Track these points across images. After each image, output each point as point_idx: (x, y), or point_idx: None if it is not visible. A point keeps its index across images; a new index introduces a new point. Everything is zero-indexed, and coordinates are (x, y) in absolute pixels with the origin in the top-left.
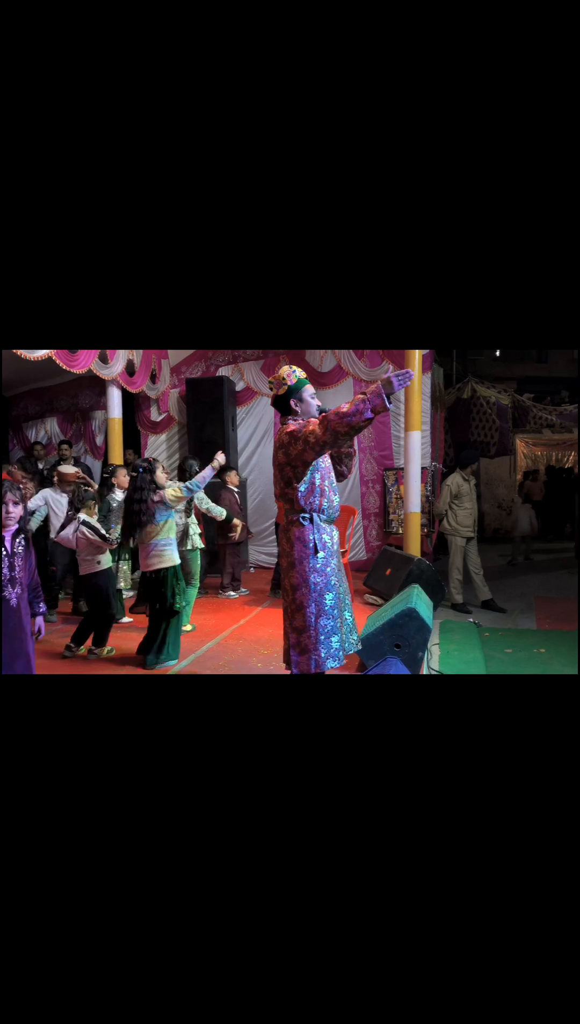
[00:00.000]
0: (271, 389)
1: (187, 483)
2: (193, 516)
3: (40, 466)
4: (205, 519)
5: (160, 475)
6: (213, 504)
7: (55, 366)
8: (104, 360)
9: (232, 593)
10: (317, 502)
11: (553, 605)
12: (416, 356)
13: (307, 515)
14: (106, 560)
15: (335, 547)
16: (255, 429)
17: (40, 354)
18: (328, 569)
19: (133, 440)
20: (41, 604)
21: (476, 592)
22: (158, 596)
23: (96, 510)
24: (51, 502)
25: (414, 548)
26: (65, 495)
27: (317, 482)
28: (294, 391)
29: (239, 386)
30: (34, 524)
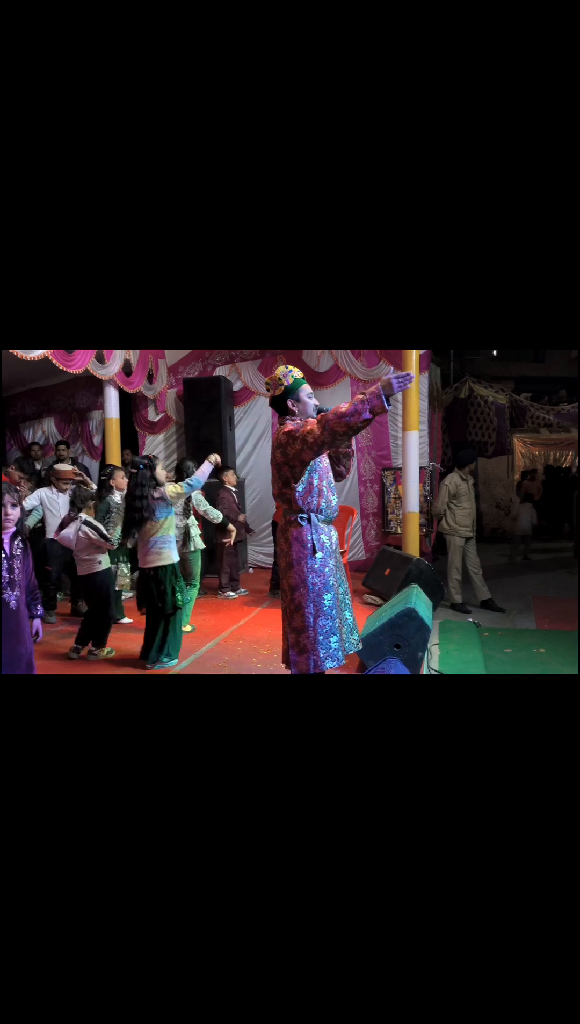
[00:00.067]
0: (268, 390)
1: (187, 479)
2: (193, 517)
3: (37, 467)
4: (203, 519)
5: (160, 472)
6: (210, 507)
7: (52, 366)
8: (101, 360)
9: (231, 593)
10: (315, 502)
11: (552, 605)
12: (413, 356)
13: (305, 515)
14: (105, 560)
15: (333, 547)
16: (253, 429)
17: (37, 354)
18: (326, 569)
19: (131, 440)
20: (38, 606)
21: (475, 592)
22: (157, 594)
23: (95, 510)
24: (47, 502)
25: (413, 548)
26: (61, 495)
27: (315, 482)
28: (291, 391)
29: (236, 386)
30: (30, 522)
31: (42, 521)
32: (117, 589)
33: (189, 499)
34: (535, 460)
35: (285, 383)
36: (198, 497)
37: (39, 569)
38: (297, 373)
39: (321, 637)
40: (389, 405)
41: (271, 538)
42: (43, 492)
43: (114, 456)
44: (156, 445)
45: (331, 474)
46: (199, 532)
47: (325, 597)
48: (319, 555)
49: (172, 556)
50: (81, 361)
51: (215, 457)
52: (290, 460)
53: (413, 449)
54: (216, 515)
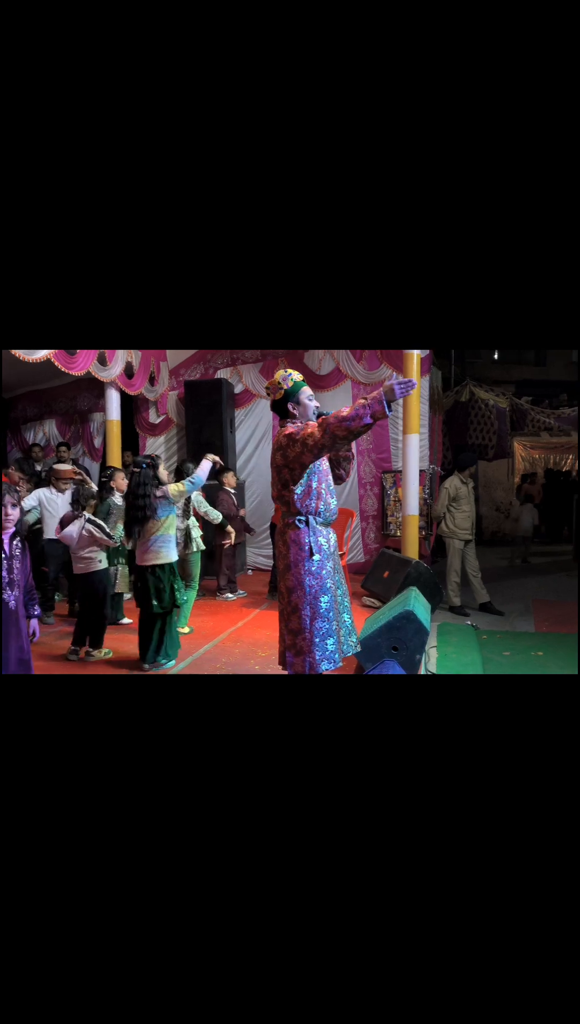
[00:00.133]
0: (268, 394)
1: (189, 478)
2: (193, 518)
3: (38, 468)
4: (203, 520)
5: (162, 472)
6: (210, 507)
7: (53, 368)
8: (103, 362)
9: (229, 595)
10: (313, 505)
11: (551, 608)
12: (414, 358)
13: (303, 518)
14: (104, 559)
15: (331, 550)
16: (254, 431)
17: (39, 356)
18: (323, 572)
19: (131, 442)
20: (36, 606)
21: (474, 595)
22: (155, 592)
23: (96, 511)
24: (45, 502)
25: (412, 551)
26: (60, 495)
27: (313, 485)
28: (291, 394)
29: (238, 388)
30: (28, 520)
31: (40, 522)
32: (118, 592)
33: (189, 500)
34: (535, 463)
35: (285, 386)
36: (198, 498)
37: (36, 570)
38: (297, 376)
39: (318, 639)
40: (390, 411)
41: (270, 540)
42: (42, 492)
43: (115, 458)
44: (157, 447)
45: (330, 477)
46: (200, 533)
47: (322, 599)
48: (317, 557)
49: (170, 556)
50: (83, 363)
51: (213, 457)
52: (290, 463)
53: (413, 452)
54: (216, 515)
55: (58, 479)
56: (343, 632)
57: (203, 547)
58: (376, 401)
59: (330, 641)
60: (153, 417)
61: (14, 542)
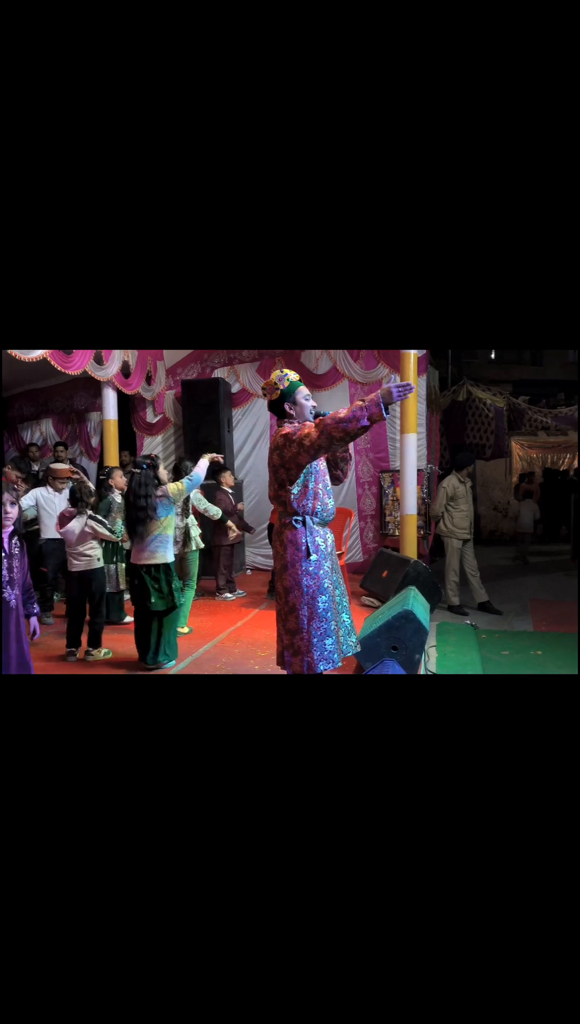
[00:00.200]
0: (265, 394)
1: (187, 476)
2: (192, 516)
3: (35, 468)
4: (202, 520)
5: (162, 472)
6: (210, 504)
7: (50, 367)
8: (99, 362)
9: (229, 595)
10: (310, 505)
11: (549, 607)
12: (412, 358)
13: (300, 518)
14: (101, 558)
15: (329, 550)
16: (251, 431)
17: (35, 355)
18: (320, 572)
19: (129, 442)
20: (34, 605)
21: (473, 594)
22: (155, 591)
23: (95, 509)
24: (42, 502)
25: (410, 550)
26: (57, 494)
27: (310, 485)
28: (287, 394)
29: (235, 388)
30: (26, 515)
31: (38, 522)
32: (120, 590)
33: (188, 498)
34: (533, 463)
35: (281, 387)
36: (197, 496)
37: (35, 570)
38: (293, 376)
39: (316, 639)
40: (387, 413)
41: (268, 540)
42: (39, 492)
43: (112, 457)
44: (154, 447)
45: (327, 477)
46: (199, 532)
47: (320, 599)
48: (314, 557)
49: (168, 556)
50: (80, 362)
51: (213, 454)
52: (286, 463)
53: (411, 451)
54: (215, 511)
55: (55, 479)
56: (342, 632)
57: (202, 545)
58: (373, 403)
59: (328, 641)
60: (150, 416)
61: (12, 540)
